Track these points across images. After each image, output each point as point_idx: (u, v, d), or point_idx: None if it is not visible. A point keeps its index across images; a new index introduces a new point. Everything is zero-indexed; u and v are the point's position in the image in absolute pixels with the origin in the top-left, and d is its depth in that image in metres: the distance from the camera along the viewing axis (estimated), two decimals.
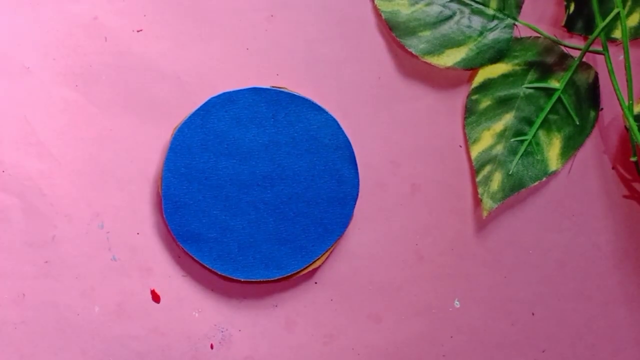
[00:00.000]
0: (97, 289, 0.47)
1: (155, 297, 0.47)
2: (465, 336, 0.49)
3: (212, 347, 0.47)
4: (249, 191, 0.46)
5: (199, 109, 0.45)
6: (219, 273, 0.46)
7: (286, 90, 0.45)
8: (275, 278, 0.46)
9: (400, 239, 0.48)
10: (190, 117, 0.45)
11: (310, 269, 0.47)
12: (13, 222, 0.47)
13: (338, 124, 0.46)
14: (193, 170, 0.45)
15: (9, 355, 0.47)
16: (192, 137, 0.45)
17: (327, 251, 0.46)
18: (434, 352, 0.48)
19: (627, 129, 0.47)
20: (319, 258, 0.46)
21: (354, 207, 0.46)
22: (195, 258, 0.46)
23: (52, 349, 0.47)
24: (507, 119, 0.48)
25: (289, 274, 0.46)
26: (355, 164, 0.46)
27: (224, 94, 0.45)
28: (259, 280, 0.46)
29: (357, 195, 0.46)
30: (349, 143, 0.46)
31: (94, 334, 0.47)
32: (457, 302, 0.49)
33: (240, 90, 0.45)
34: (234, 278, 0.46)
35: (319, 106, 0.45)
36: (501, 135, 0.48)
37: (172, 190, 0.46)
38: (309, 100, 0.45)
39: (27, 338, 0.47)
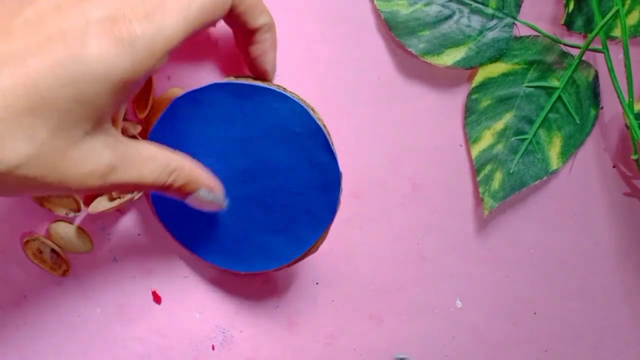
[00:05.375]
0: (98, 290, 0.47)
1: (157, 298, 0.47)
2: (467, 336, 0.48)
3: (213, 348, 0.47)
4: (231, 187, 0.44)
5: (167, 111, 0.44)
6: (221, 268, 0.46)
7: (247, 82, 0.43)
8: (276, 268, 0.45)
9: (401, 239, 0.48)
10: (160, 119, 0.44)
11: (307, 257, 0.46)
12: (14, 222, 0.47)
13: (306, 111, 0.43)
14: None
15: (10, 357, 0.47)
16: (165, 140, 0.44)
17: (320, 238, 0.45)
18: (436, 352, 0.48)
19: (627, 127, 0.47)
20: (314, 246, 0.45)
21: (339, 193, 0.44)
22: (198, 256, 0.46)
23: (53, 350, 0.47)
24: (507, 118, 0.48)
25: (288, 263, 0.45)
26: (331, 150, 0.43)
27: (188, 93, 0.43)
28: (260, 271, 0.46)
29: (340, 180, 0.44)
30: (321, 130, 0.43)
31: (95, 335, 0.47)
32: (459, 302, 0.48)
33: (202, 88, 0.43)
34: (237, 272, 0.46)
35: (283, 94, 0.43)
36: (502, 135, 0.48)
37: (161, 197, 0.45)
38: (272, 90, 0.43)
39: (29, 339, 0.47)
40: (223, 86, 0.43)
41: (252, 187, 0.44)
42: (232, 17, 0.40)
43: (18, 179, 0.31)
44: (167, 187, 0.38)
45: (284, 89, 0.43)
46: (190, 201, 0.40)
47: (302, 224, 0.44)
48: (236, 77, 0.43)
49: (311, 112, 0.42)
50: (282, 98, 0.42)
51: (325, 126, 0.43)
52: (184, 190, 0.39)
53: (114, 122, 0.36)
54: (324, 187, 0.44)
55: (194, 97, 0.43)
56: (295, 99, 0.42)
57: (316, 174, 0.43)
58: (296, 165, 0.43)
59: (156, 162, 0.37)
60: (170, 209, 0.45)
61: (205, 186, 0.40)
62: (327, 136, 0.43)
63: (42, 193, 0.33)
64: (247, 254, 0.45)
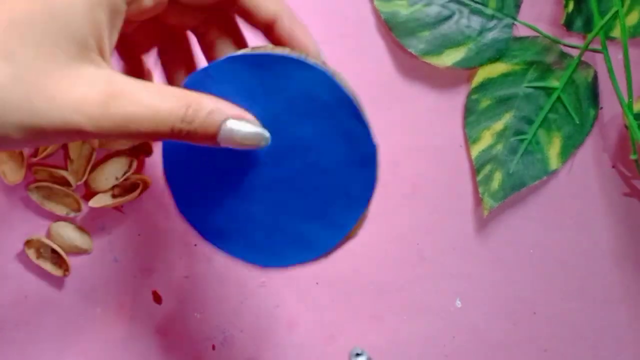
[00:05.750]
0: (98, 290, 0.47)
1: (157, 298, 0.47)
2: (467, 336, 0.48)
3: (213, 348, 0.47)
4: (257, 173, 0.40)
5: None
6: (259, 265, 0.41)
7: (264, 52, 0.38)
8: (313, 259, 0.41)
9: (402, 239, 0.48)
10: None
11: (346, 243, 0.41)
12: (14, 222, 0.47)
13: (332, 79, 0.38)
14: (193, 165, 0.41)
15: (11, 357, 0.47)
16: None
17: (360, 220, 0.40)
18: (436, 352, 0.48)
19: (626, 128, 0.47)
20: (353, 229, 0.40)
21: (376, 166, 0.39)
22: (224, 251, 0.41)
23: (53, 350, 0.47)
24: (507, 118, 0.48)
25: (326, 252, 0.41)
26: (363, 119, 0.38)
27: (202, 70, 0.38)
28: (299, 263, 0.41)
29: (376, 152, 0.39)
30: (349, 97, 0.38)
31: (95, 335, 0.47)
32: (459, 302, 0.48)
33: (217, 62, 0.38)
34: (274, 267, 0.41)
35: (305, 62, 0.38)
36: (501, 135, 0.48)
37: (181, 188, 0.42)
38: (292, 58, 0.38)
39: (29, 339, 0.47)
40: (239, 58, 0.38)
41: (280, 169, 0.39)
42: (237, 6, 0.38)
43: (3, 103, 0.29)
44: (187, 126, 0.33)
45: (306, 56, 0.39)
46: (222, 140, 0.35)
47: (338, 205, 0.40)
48: (252, 48, 0.39)
49: (338, 80, 0.38)
50: (303, 66, 0.38)
51: (355, 94, 0.39)
52: (209, 126, 0.34)
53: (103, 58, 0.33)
54: (359, 162, 0.39)
55: (208, 73, 0.38)
56: (318, 66, 0.38)
57: (349, 147, 0.39)
58: (326, 139, 0.39)
59: (168, 91, 0.33)
60: (192, 198, 0.41)
61: (233, 115, 0.35)
62: (358, 104, 0.38)
63: (37, 130, 0.30)
64: (280, 246, 0.40)
